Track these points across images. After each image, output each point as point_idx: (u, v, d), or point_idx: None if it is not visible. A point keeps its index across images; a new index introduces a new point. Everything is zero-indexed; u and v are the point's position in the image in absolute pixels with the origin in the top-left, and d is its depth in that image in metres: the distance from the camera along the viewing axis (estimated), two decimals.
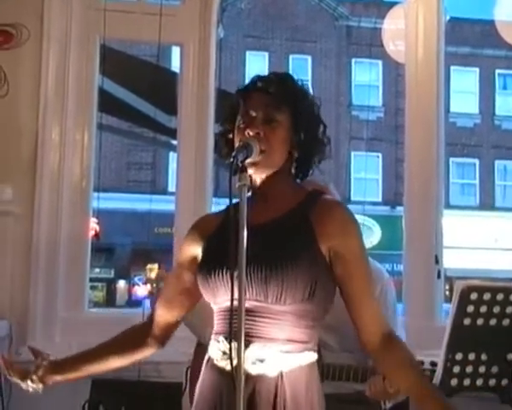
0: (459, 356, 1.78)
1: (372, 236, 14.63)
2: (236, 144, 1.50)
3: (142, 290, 11.91)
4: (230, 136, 1.56)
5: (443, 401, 1.49)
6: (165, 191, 12.00)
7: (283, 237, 1.50)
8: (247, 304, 1.40)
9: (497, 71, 16.85)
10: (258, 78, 1.57)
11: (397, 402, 2.06)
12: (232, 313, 1.37)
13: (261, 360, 1.46)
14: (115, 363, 1.67)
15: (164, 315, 1.65)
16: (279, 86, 1.54)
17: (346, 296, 1.53)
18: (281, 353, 1.47)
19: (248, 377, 1.41)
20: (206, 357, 1.56)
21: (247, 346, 1.40)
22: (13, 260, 2.80)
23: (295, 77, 1.60)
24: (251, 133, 1.50)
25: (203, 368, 1.57)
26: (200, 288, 1.55)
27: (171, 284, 1.67)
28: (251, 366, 1.44)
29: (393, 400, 2.03)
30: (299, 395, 1.47)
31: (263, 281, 1.45)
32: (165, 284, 1.70)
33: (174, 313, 1.65)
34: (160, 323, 1.66)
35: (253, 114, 1.52)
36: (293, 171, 1.57)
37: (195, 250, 1.60)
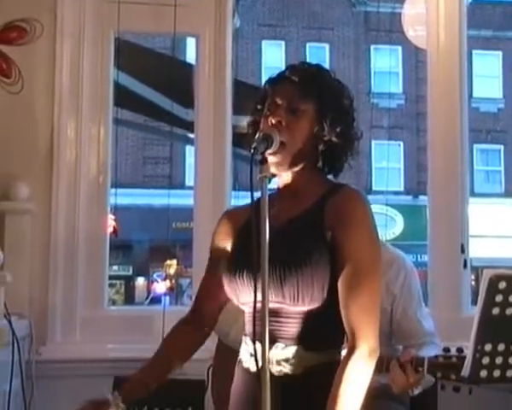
0: (488, 347, 1.73)
1: (395, 226, 14.50)
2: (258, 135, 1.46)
3: (161, 287, 11.90)
4: (260, 125, 1.53)
5: None
6: (182, 186, 11.96)
7: (298, 236, 1.47)
8: (270, 305, 1.38)
9: None
10: (288, 67, 1.57)
11: (426, 388, 2.02)
12: (255, 315, 1.36)
13: (286, 360, 1.45)
14: (178, 365, 1.67)
15: (206, 305, 1.66)
16: (306, 76, 1.53)
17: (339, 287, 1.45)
18: (304, 352, 1.45)
19: (273, 377, 1.38)
20: (239, 358, 1.57)
21: (270, 347, 1.38)
22: (31, 259, 2.78)
23: (326, 68, 1.59)
24: (273, 121, 1.48)
25: (236, 369, 1.57)
26: (225, 286, 1.54)
27: (208, 279, 1.66)
28: (275, 367, 1.43)
29: (420, 386, 1.99)
30: (325, 393, 1.43)
31: (279, 283, 1.43)
32: (203, 278, 1.69)
33: (215, 302, 1.64)
34: (205, 312, 1.66)
35: (279, 102, 1.51)
36: (320, 165, 1.53)
37: (227, 243, 1.60)
